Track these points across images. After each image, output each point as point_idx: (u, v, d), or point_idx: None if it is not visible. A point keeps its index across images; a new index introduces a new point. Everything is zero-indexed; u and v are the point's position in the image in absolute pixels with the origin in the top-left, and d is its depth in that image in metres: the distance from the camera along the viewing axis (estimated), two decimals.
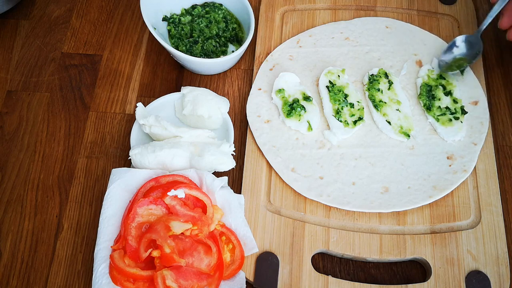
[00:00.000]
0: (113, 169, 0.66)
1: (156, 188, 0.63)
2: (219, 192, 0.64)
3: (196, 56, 0.76)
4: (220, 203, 0.64)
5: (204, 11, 0.80)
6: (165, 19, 0.80)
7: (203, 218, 0.60)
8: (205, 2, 0.82)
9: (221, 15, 0.80)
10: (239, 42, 0.79)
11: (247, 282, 0.62)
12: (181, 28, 0.79)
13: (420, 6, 0.82)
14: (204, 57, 0.76)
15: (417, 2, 0.83)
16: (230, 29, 0.79)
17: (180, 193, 0.60)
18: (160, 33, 0.77)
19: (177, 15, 0.80)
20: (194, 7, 0.81)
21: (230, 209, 0.64)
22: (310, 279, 0.62)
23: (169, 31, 0.79)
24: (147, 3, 0.75)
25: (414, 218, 0.66)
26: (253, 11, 0.76)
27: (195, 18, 0.80)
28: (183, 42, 0.78)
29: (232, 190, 0.66)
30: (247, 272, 0.63)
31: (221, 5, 0.81)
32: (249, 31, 0.74)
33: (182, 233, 0.59)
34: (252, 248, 0.62)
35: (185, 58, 0.72)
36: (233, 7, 0.81)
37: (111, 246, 0.60)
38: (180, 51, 0.77)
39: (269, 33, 0.80)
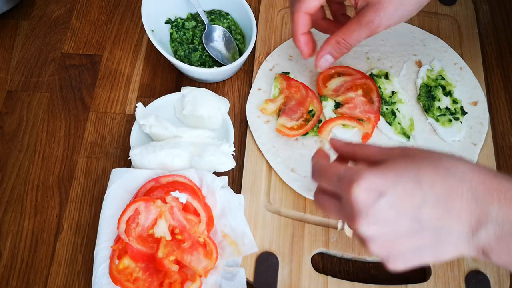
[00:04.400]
0: (113, 169, 0.66)
1: (156, 188, 0.63)
2: (219, 192, 0.64)
3: (193, 63, 0.76)
4: (220, 203, 0.64)
5: (209, 18, 0.79)
6: (168, 22, 0.80)
7: (192, 231, 0.60)
8: (212, 10, 0.81)
9: (225, 25, 0.79)
10: (240, 53, 0.78)
11: (247, 283, 0.62)
12: (184, 32, 0.78)
13: None
14: (201, 66, 0.76)
15: None
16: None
17: (183, 197, 0.60)
18: (160, 35, 0.77)
19: (182, 19, 0.80)
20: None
21: (230, 208, 0.64)
22: (310, 279, 0.62)
23: (171, 34, 0.79)
24: (150, 5, 0.74)
25: None
26: (253, 12, 0.76)
27: (199, 24, 0.79)
28: (182, 48, 0.77)
29: (232, 190, 0.66)
30: (247, 272, 0.63)
31: (227, 14, 0.80)
32: (249, 44, 0.74)
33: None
34: (251, 247, 0.62)
35: (181, 65, 0.72)
36: (239, 18, 0.80)
37: (111, 246, 0.60)
38: (179, 55, 0.77)
39: (269, 33, 0.80)
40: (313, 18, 0.63)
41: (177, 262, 0.59)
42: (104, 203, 0.64)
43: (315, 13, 0.62)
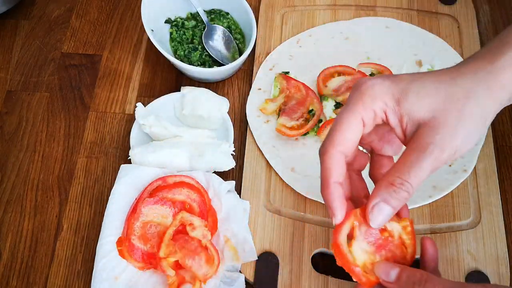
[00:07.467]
0: (122, 165, 0.66)
1: (163, 188, 0.63)
2: (225, 196, 0.64)
3: (193, 63, 0.76)
4: (225, 207, 0.64)
5: (209, 17, 0.79)
6: (168, 21, 0.79)
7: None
8: (212, 9, 0.81)
9: (225, 24, 0.79)
10: (240, 53, 0.78)
11: (247, 283, 0.62)
12: (183, 32, 0.78)
13: (420, 6, 0.82)
14: (200, 66, 0.76)
15: (417, 2, 0.83)
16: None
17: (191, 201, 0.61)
18: (160, 35, 0.77)
19: (182, 19, 0.80)
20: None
21: (234, 213, 0.64)
22: (310, 279, 0.62)
23: (170, 34, 0.79)
24: (149, 4, 0.74)
25: (413, 218, 0.66)
26: (253, 11, 0.76)
27: (199, 24, 0.79)
28: (182, 47, 0.77)
29: (238, 195, 0.66)
30: (247, 272, 0.63)
31: (227, 13, 0.80)
32: (249, 44, 0.74)
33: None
34: (251, 255, 0.62)
35: (181, 65, 0.72)
36: (239, 18, 0.79)
37: (116, 242, 0.60)
38: (178, 55, 0.76)
39: (269, 33, 0.80)
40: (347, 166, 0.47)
41: (176, 264, 0.59)
42: (110, 197, 0.64)
43: (350, 158, 0.46)
